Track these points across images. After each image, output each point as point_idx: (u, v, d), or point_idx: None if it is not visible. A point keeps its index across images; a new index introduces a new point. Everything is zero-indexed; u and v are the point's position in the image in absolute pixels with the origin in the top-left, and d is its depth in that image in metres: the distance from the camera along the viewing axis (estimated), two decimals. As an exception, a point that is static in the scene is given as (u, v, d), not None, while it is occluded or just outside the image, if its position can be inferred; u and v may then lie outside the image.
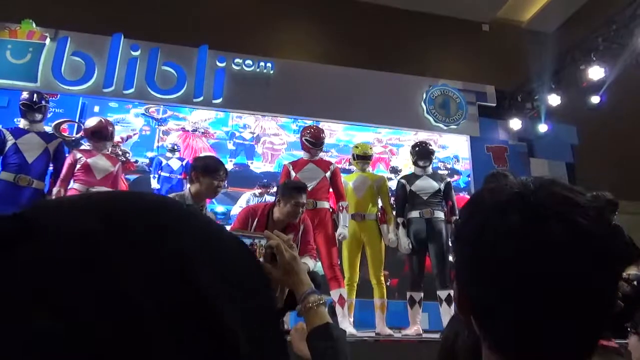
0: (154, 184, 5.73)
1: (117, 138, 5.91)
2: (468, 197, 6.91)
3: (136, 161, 6.08)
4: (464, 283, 0.63)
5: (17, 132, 4.10)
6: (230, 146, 6.43)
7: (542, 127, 6.86)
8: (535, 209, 0.58)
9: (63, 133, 5.76)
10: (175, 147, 5.93)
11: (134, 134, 6.15)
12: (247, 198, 6.14)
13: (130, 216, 0.28)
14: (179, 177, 5.78)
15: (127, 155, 6.00)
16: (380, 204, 4.58)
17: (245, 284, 0.30)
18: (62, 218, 0.27)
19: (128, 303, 0.24)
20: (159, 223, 0.29)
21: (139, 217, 0.29)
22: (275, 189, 5.77)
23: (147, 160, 6.09)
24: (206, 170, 3.13)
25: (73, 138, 5.76)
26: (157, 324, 0.24)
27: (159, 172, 5.78)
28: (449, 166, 6.99)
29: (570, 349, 0.57)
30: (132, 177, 5.96)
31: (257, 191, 6.21)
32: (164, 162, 5.84)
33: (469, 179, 6.95)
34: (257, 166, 6.43)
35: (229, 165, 6.15)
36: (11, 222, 0.26)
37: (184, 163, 5.89)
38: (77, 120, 5.87)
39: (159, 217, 0.29)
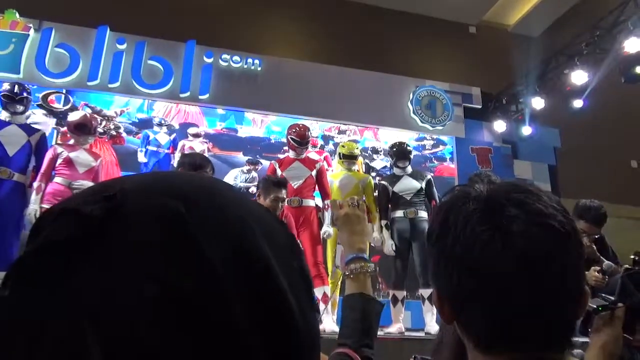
0: (141, 158, 5.73)
1: (111, 112, 5.90)
2: (453, 166, 7.00)
3: (136, 131, 6.03)
4: (439, 286, 0.64)
5: (-2, 124, 4.03)
6: (220, 110, 6.42)
7: (526, 130, 6.95)
8: (491, 198, 0.60)
9: (51, 104, 5.68)
10: (163, 122, 5.92)
11: (127, 110, 6.09)
12: (235, 174, 6.12)
13: (202, 199, 0.32)
14: (166, 151, 5.78)
15: (119, 130, 5.95)
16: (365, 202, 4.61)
17: (285, 253, 0.34)
18: (145, 200, 0.31)
19: (214, 275, 0.28)
20: (226, 206, 0.33)
21: (210, 200, 0.33)
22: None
23: (137, 120, 6.07)
24: (192, 168, 3.13)
25: (61, 109, 5.68)
26: (234, 296, 0.29)
27: (147, 146, 5.76)
28: (434, 137, 7.06)
29: (543, 339, 0.58)
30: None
31: (245, 168, 6.18)
32: (152, 136, 5.82)
33: (453, 149, 7.06)
34: (247, 131, 6.44)
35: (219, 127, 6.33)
36: (102, 206, 0.29)
37: (171, 137, 5.87)
38: (64, 92, 5.79)
39: (225, 200, 0.34)
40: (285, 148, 4.81)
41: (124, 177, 0.36)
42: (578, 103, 6.40)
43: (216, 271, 0.28)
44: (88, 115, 4.40)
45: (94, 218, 0.28)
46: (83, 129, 4.15)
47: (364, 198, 4.56)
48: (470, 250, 0.58)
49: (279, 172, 4.30)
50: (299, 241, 4.01)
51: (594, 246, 3.08)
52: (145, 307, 0.26)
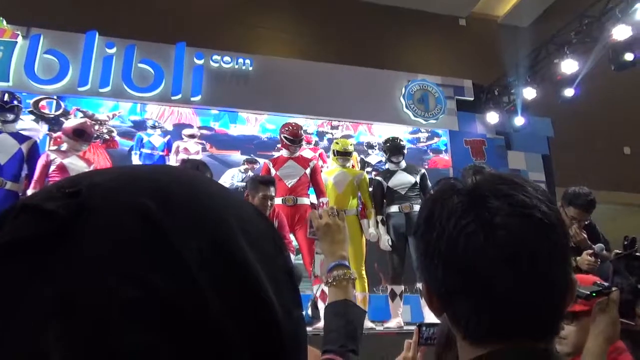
0: (135, 161, 5.70)
1: (103, 117, 5.89)
2: (447, 158, 7.02)
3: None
4: (426, 279, 0.65)
5: (-11, 133, 4.01)
6: (214, 110, 6.42)
7: (519, 120, 6.97)
8: (475, 191, 0.60)
9: (42, 110, 5.65)
10: (157, 124, 5.90)
11: (120, 113, 6.08)
12: (232, 174, 6.11)
13: (176, 193, 0.31)
14: (160, 153, 5.75)
15: (112, 133, 5.93)
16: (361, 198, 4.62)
17: (268, 250, 0.33)
18: (113, 196, 0.29)
19: (189, 274, 0.27)
20: (203, 201, 0.32)
21: (185, 194, 0.31)
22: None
23: (131, 124, 6.07)
24: None
25: (52, 115, 5.65)
26: (211, 294, 0.27)
27: (141, 149, 5.74)
28: (429, 129, 7.07)
29: (529, 329, 0.59)
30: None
31: (243, 167, 6.17)
32: (145, 138, 5.80)
33: (447, 140, 7.09)
34: (241, 130, 6.45)
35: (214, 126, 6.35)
36: (65, 202, 0.28)
37: (165, 139, 5.85)
38: (55, 98, 5.76)
39: (202, 194, 0.33)
40: (279, 146, 4.81)
41: (94, 171, 0.34)
42: (569, 92, 6.42)
43: (191, 269, 0.27)
44: (88, 121, 4.39)
45: (57, 215, 0.27)
46: (82, 135, 4.13)
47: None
48: (454, 244, 0.58)
49: (273, 171, 4.30)
50: (293, 239, 4.02)
51: (585, 234, 3.12)
52: (116, 308, 0.25)
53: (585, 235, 3.12)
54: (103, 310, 0.25)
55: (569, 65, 6.00)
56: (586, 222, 3.27)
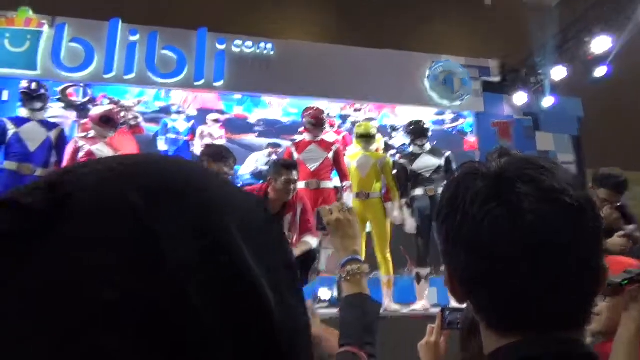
0: (161, 146, 5.79)
1: (129, 103, 5.99)
2: (473, 140, 6.91)
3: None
4: (449, 265, 0.62)
5: (19, 121, 4.11)
6: (237, 95, 6.47)
7: (548, 101, 6.78)
8: (501, 175, 0.58)
9: (70, 97, 5.77)
10: (181, 110, 5.99)
11: (144, 99, 6.19)
12: (256, 158, 6.15)
13: (168, 188, 0.29)
14: (185, 138, 5.83)
15: (138, 119, 6.02)
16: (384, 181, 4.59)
17: (266, 242, 0.32)
18: (98, 190, 0.27)
19: (176, 275, 0.25)
20: (198, 194, 0.30)
21: (179, 190, 0.29)
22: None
23: (157, 109, 6.19)
24: (215, 158, 3.20)
25: (80, 102, 5.77)
26: (202, 298, 0.26)
27: (166, 134, 5.82)
28: (455, 111, 6.97)
29: (556, 318, 0.56)
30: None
31: (267, 151, 6.21)
32: (170, 124, 5.88)
33: (473, 122, 6.97)
34: (264, 114, 6.52)
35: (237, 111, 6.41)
36: (46, 196, 0.26)
37: (190, 125, 5.92)
38: (83, 85, 5.87)
39: (196, 186, 0.30)
40: (302, 130, 4.80)
41: (82, 163, 0.32)
42: (600, 71, 6.19)
43: (178, 271, 0.26)
44: (114, 108, 4.47)
45: (34, 211, 0.25)
46: (108, 122, 4.20)
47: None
48: (478, 229, 0.55)
49: (295, 155, 4.30)
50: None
51: (618, 214, 3.04)
52: (94, 309, 0.24)
53: (619, 215, 3.03)
54: (79, 311, 0.23)
55: (599, 43, 5.78)
56: (618, 204, 3.17)
